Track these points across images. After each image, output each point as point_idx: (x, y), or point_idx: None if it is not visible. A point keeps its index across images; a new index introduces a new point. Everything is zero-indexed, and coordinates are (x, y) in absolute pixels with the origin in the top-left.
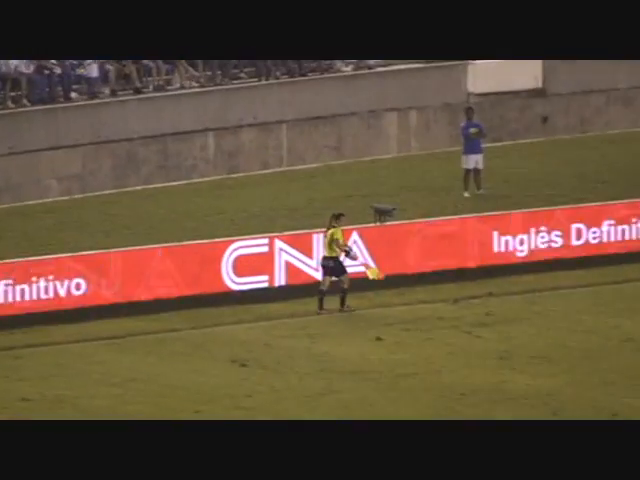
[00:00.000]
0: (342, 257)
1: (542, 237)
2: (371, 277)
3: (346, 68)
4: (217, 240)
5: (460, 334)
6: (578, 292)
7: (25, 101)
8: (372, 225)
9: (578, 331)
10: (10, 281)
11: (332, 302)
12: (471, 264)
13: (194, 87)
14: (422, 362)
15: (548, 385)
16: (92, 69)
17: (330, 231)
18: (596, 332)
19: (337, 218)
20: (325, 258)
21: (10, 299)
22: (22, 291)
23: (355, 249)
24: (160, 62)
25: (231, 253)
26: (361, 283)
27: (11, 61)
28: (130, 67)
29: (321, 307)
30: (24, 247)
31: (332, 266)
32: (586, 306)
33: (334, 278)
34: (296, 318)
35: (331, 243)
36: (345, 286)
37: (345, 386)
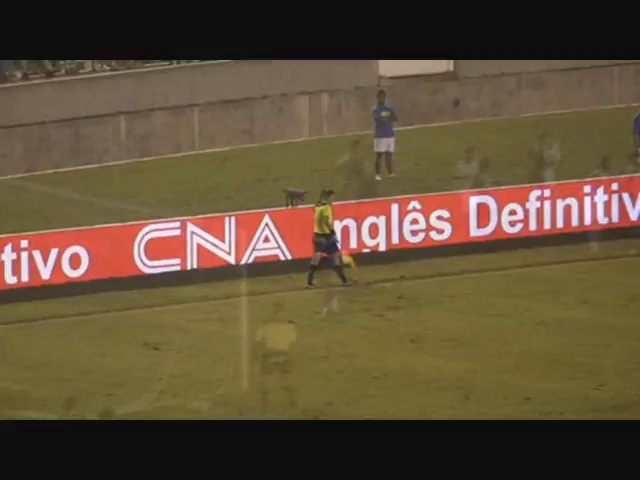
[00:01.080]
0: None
1: (453, 221)
2: (345, 262)
3: None
4: (129, 223)
5: (372, 317)
6: (489, 275)
7: None
8: (284, 208)
9: (489, 315)
10: None
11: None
12: (382, 247)
13: (106, 70)
14: (334, 345)
15: (460, 368)
16: None
17: (320, 208)
18: (507, 316)
19: (327, 195)
20: (317, 235)
21: None
22: None
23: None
24: None
25: (143, 236)
26: (272, 267)
27: None
28: None
29: (310, 282)
30: None
31: (324, 243)
32: (497, 289)
33: (324, 254)
34: (208, 301)
35: (321, 221)
36: (336, 263)
37: (258, 369)
